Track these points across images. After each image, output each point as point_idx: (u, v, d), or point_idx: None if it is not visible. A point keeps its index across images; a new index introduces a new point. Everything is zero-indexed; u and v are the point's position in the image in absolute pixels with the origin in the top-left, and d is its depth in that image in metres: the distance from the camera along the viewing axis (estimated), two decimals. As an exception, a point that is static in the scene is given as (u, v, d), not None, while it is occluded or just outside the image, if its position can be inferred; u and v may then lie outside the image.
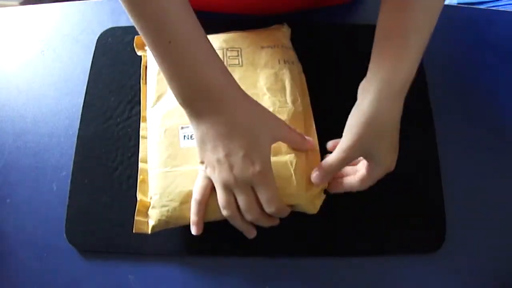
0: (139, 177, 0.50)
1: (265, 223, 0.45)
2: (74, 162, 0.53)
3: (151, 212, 0.46)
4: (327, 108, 0.52)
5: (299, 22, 0.61)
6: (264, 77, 0.52)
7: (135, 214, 0.47)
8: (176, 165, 0.47)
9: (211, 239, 0.49)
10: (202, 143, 0.43)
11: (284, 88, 0.51)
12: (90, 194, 0.52)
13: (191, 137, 0.48)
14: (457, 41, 0.62)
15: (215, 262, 0.49)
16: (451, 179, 0.52)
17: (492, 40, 0.62)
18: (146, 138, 0.52)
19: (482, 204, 0.52)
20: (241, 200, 0.43)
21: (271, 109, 0.49)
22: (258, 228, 0.45)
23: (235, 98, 0.43)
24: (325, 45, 0.60)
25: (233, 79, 0.43)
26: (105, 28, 0.62)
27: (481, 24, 0.64)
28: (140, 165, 0.51)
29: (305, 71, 0.55)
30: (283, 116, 0.49)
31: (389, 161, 0.46)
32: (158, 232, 0.47)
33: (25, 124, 0.57)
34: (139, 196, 0.48)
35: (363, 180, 0.47)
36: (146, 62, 0.56)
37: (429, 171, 0.53)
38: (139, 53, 0.56)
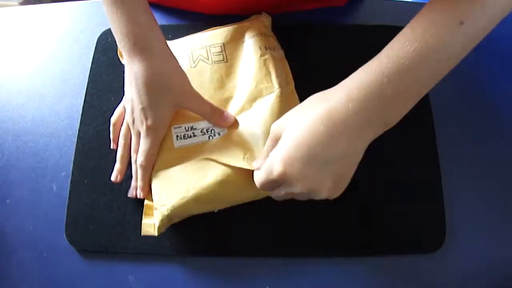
0: None
1: (137, 174, 0.49)
2: (74, 162, 0.53)
3: (155, 213, 0.47)
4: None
5: (299, 22, 0.61)
6: (248, 67, 0.52)
7: (142, 217, 0.48)
8: (172, 164, 0.48)
9: (211, 239, 0.50)
10: (126, 77, 0.48)
11: (269, 73, 0.51)
12: (90, 194, 0.52)
13: (183, 136, 0.49)
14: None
15: (215, 262, 0.49)
16: (451, 179, 0.52)
17: (492, 40, 0.62)
18: None
19: (482, 204, 0.52)
20: (132, 138, 0.51)
21: (258, 99, 0.50)
22: (256, 228, 0.45)
23: (157, 55, 0.47)
24: (324, 46, 0.60)
25: (161, 35, 0.48)
26: (105, 28, 0.61)
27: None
28: None
29: (304, 71, 0.55)
30: (270, 101, 0.49)
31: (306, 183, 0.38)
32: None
33: (25, 124, 0.57)
34: (146, 201, 0.49)
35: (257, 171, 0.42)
36: None
37: (429, 171, 0.53)
38: (123, 61, 0.56)
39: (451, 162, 0.53)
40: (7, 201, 0.53)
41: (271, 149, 0.41)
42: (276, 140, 0.41)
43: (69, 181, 0.52)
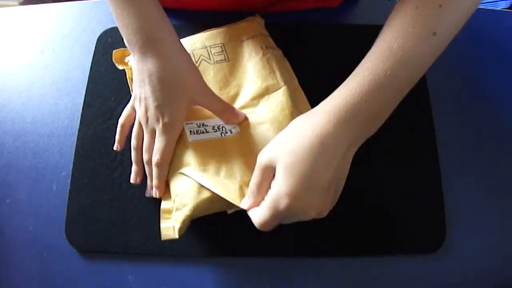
0: None
1: (152, 174, 0.48)
2: (74, 162, 0.53)
3: (175, 214, 0.46)
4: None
5: (297, 23, 0.61)
6: (251, 66, 0.53)
7: (160, 222, 0.46)
8: (188, 163, 0.47)
9: (211, 240, 0.50)
10: (137, 75, 0.47)
11: (273, 71, 0.52)
12: (90, 194, 0.52)
13: (196, 131, 0.49)
14: (456, 41, 0.62)
15: (215, 262, 0.49)
16: (451, 179, 0.52)
17: (491, 40, 0.62)
18: None
19: (482, 204, 0.52)
20: (145, 138, 0.49)
21: (266, 96, 0.50)
22: (257, 229, 0.45)
23: (170, 50, 0.46)
24: (320, 45, 0.60)
25: (173, 30, 0.47)
26: (105, 28, 0.62)
27: (481, 24, 0.64)
28: None
29: (302, 71, 0.55)
30: (279, 98, 0.50)
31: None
32: (157, 232, 0.47)
33: (24, 124, 0.57)
34: (162, 204, 0.48)
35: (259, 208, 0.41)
36: (132, 75, 0.55)
37: (429, 171, 0.53)
38: (119, 67, 0.55)
39: (451, 162, 0.53)
40: (7, 201, 0.53)
41: (260, 180, 0.41)
42: (267, 172, 0.41)
43: (69, 181, 0.52)
